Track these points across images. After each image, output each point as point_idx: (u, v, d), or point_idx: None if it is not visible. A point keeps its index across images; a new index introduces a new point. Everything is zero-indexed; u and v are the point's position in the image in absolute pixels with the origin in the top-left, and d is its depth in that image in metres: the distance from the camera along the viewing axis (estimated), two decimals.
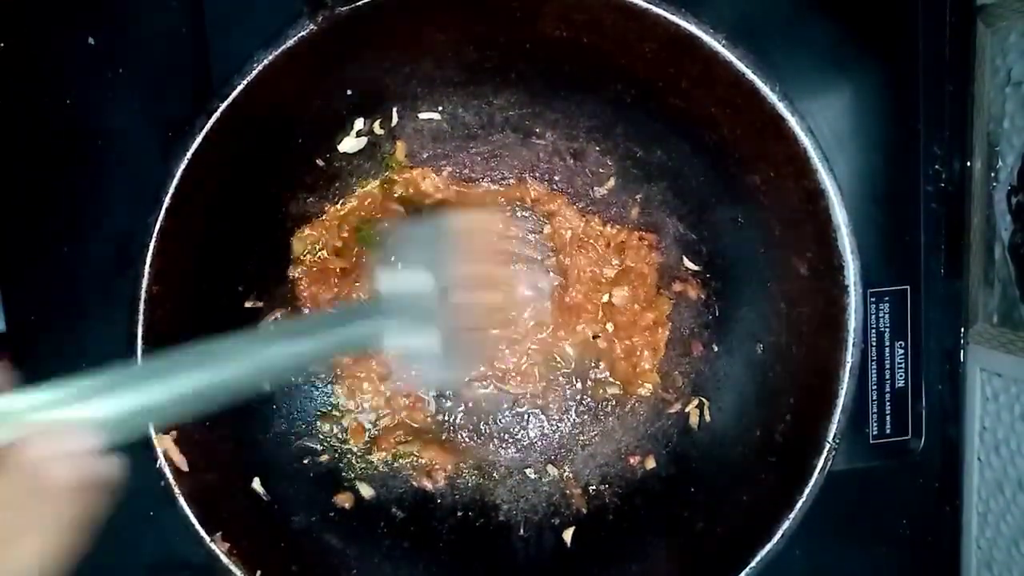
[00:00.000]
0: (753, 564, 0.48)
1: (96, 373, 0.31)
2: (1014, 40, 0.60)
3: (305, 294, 0.58)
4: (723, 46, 0.46)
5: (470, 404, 0.62)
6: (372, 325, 0.47)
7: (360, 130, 0.55)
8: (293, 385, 0.59)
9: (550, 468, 0.62)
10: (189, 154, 0.45)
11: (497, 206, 0.60)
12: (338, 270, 0.59)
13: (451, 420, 0.62)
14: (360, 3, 0.44)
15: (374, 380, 0.60)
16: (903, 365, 0.63)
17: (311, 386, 0.60)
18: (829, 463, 0.49)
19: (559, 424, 0.63)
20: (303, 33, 0.44)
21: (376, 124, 0.55)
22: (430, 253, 0.51)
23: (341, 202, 0.58)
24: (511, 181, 0.60)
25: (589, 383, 0.63)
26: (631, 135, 0.57)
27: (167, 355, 0.33)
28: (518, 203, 0.61)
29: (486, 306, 0.54)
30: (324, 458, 0.58)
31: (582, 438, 0.63)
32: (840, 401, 0.49)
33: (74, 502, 0.28)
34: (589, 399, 0.63)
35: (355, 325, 0.46)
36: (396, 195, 0.59)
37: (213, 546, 0.46)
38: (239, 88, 0.44)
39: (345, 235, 0.58)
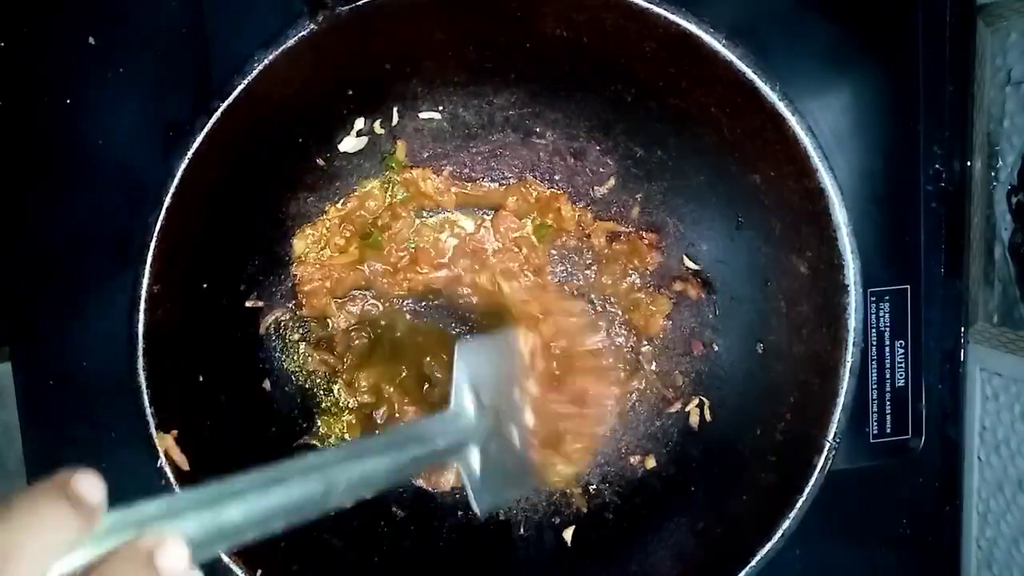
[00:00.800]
0: (753, 564, 0.48)
1: (168, 495, 0.31)
2: (1014, 40, 0.60)
3: (306, 294, 0.58)
4: (723, 46, 0.46)
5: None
6: (451, 440, 0.46)
7: (360, 130, 0.55)
8: (293, 384, 0.59)
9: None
10: (189, 154, 0.45)
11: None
12: (339, 270, 0.59)
13: None
14: (360, 3, 0.44)
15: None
16: (903, 365, 0.63)
17: (311, 385, 0.60)
18: (829, 463, 0.49)
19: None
20: (303, 33, 0.44)
21: (376, 123, 0.55)
22: (491, 368, 0.51)
23: (342, 202, 0.58)
24: (511, 180, 0.60)
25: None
26: (631, 135, 0.57)
27: (228, 480, 0.33)
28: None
29: (532, 429, 0.54)
30: None
31: None
32: (840, 400, 0.49)
33: None
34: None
35: (445, 436, 0.45)
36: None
37: None
38: (239, 88, 0.44)
39: (347, 235, 0.59)
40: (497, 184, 0.61)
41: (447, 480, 0.60)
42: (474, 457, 0.47)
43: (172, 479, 0.46)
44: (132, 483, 0.55)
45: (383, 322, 0.60)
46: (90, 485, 0.26)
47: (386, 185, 0.59)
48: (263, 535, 0.32)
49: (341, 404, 0.60)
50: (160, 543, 0.27)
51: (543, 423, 0.55)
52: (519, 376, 0.54)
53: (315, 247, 0.58)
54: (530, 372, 0.55)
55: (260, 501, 0.33)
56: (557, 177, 0.61)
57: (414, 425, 0.45)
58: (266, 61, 0.44)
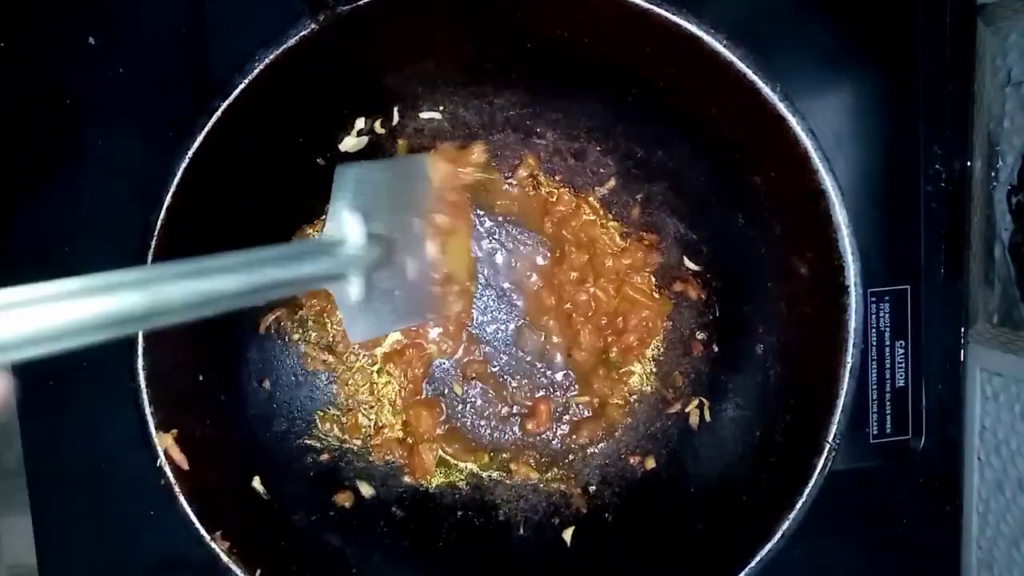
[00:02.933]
0: (753, 564, 0.48)
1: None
2: (1014, 40, 0.60)
3: (306, 294, 0.58)
4: (724, 46, 0.46)
5: (469, 403, 0.62)
6: (330, 264, 0.43)
7: (361, 129, 0.55)
8: (293, 384, 0.59)
9: (550, 467, 0.62)
10: (190, 153, 0.45)
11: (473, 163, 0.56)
12: None
13: (455, 418, 0.62)
14: (361, 3, 0.44)
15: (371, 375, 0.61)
16: (903, 365, 0.63)
17: (311, 385, 0.60)
18: (829, 463, 0.49)
19: (558, 423, 0.63)
20: (304, 32, 0.44)
21: (377, 123, 0.55)
22: (386, 196, 0.48)
23: None
24: (511, 180, 0.60)
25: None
26: (631, 135, 0.57)
27: (68, 280, 0.31)
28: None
29: (432, 263, 0.51)
30: (324, 457, 0.58)
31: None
32: (840, 401, 0.49)
33: None
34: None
35: (314, 262, 0.42)
36: None
37: (213, 545, 0.46)
38: (239, 88, 0.44)
39: None
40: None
41: (430, 464, 0.60)
42: (354, 286, 0.44)
43: (172, 479, 0.46)
44: (132, 483, 0.55)
45: None
46: None
47: None
48: (57, 349, 0.30)
49: (341, 404, 0.60)
50: None
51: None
52: (422, 206, 0.51)
53: None
54: (438, 204, 0.52)
55: (60, 311, 0.30)
56: (557, 178, 0.61)
57: (280, 247, 0.42)
58: (266, 61, 0.44)
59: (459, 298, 0.54)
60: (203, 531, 0.46)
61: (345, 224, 0.44)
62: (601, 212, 0.61)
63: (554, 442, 0.62)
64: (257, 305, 0.44)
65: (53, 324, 0.29)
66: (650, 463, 0.60)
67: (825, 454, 0.49)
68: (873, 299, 0.61)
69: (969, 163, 0.64)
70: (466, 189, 0.54)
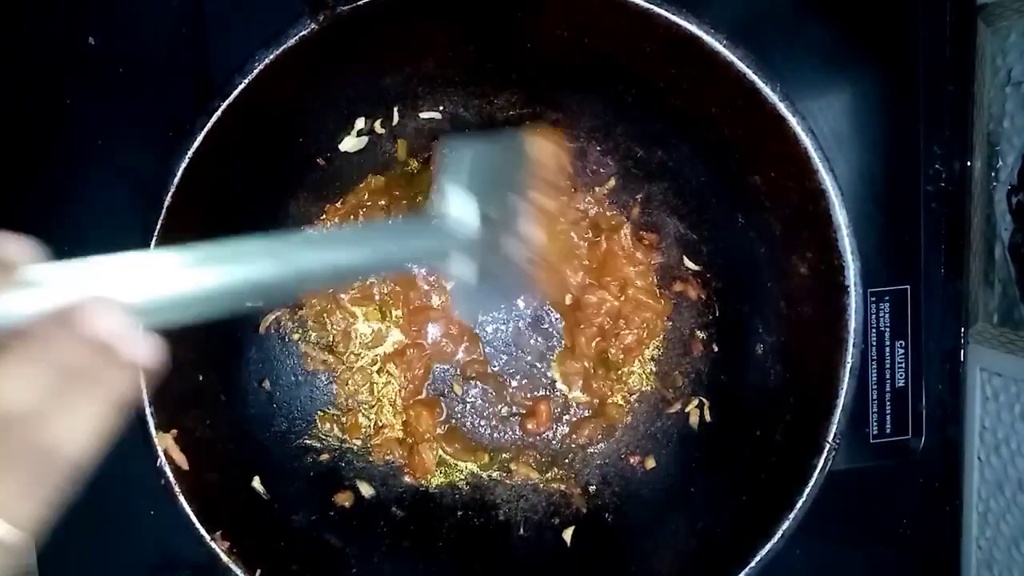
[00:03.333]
0: (753, 564, 0.48)
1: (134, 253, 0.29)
2: (1014, 40, 0.60)
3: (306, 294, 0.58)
4: (724, 46, 0.46)
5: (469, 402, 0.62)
6: (430, 244, 0.42)
7: (361, 129, 0.55)
8: (293, 384, 0.59)
9: (550, 468, 0.62)
10: (190, 154, 0.45)
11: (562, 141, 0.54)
12: None
13: (455, 418, 0.62)
14: (361, 3, 0.44)
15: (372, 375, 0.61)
16: (903, 365, 0.63)
17: (311, 385, 0.60)
18: (829, 463, 0.49)
19: (558, 423, 0.63)
20: (304, 33, 0.44)
21: (377, 123, 0.55)
22: (489, 176, 0.46)
23: (342, 201, 0.58)
24: None
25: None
26: (632, 135, 0.57)
27: (198, 248, 0.31)
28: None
29: (535, 243, 0.50)
30: (324, 457, 0.58)
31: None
32: (840, 401, 0.49)
33: (119, 377, 0.27)
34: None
35: (413, 239, 0.42)
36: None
37: (213, 545, 0.46)
38: (239, 88, 0.44)
39: None
40: None
41: (430, 464, 0.60)
42: (467, 266, 0.44)
43: (172, 479, 0.46)
44: (132, 483, 0.55)
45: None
46: (8, 240, 0.26)
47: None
48: (215, 313, 0.31)
49: (341, 404, 0.60)
50: (90, 306, 0.25)
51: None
52: (525, 184, 0.49)
53: None
54: (540, 183, 0.49)
55: (215, 275, 0.31)
56: None
57: (396, 224, 0.42)
58: (266, 61, 0.44)
59: (554, 280, 0.52)
60: (203, 531, 0.46)
61: (457, 202, 0.43)
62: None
63: (554, 442, 0.62)
64: (370, 278, 0.44)
65: (195, 288, 0.30)
66: (650, 463, 0.60)
67: (825, 454, 0.49)
68: (873, 299, 0.61)
69: (969, 163, 0.64)
70: (565, 171, 0.52)
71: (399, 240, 0.41)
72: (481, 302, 0.48)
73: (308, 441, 0.58)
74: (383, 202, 0.59)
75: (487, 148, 0.48)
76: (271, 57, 0.44)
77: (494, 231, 0.46)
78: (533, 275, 0.50)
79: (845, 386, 0.49)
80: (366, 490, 0.58)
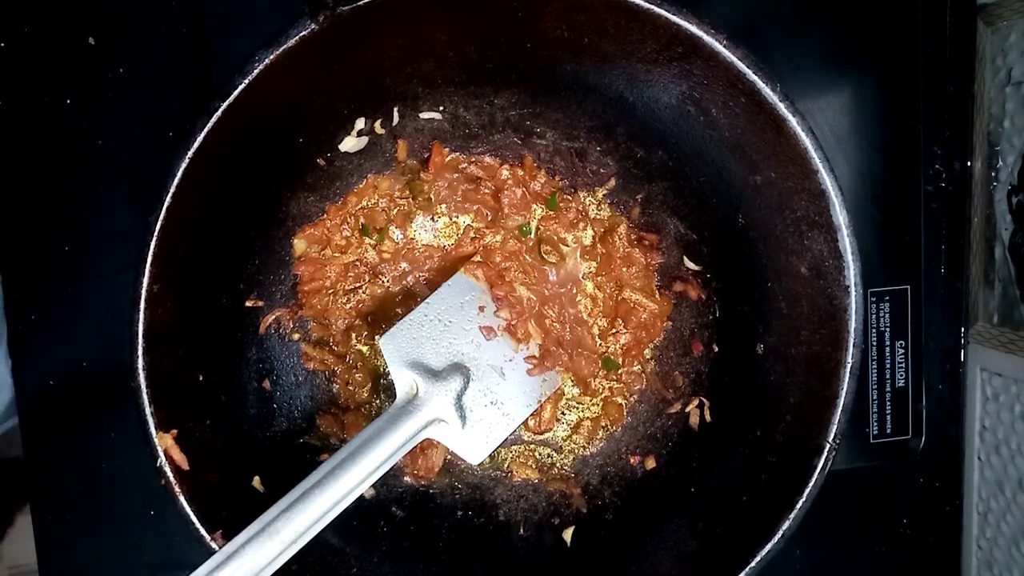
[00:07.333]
0: (753, 564, 0.48)
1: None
2: (1014, 40, 0.60)
3: (306, 294, 0.58)
4: (724, 47, 0.46)
5: None
6: (419, 419, 0.50)
7: (361, 129, 0.55)
8: (293, 384, 0.59)
9: (550, 468, 0.62)
10: (189, 154, 0.44)
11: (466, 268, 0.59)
12: (339, 269, 0.59)
13: None
14: (360, 3, 0.44)
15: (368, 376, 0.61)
16: (903, 365, 0.63)
17: (311, 385, 0.60)
18: (829, 463, 0.49)
19: (558, 423, 0.63)
20: (304, 33, 0.44)
21: (377, 123, 0.55)
22: (438, 332, 0.53)
23: (342, 201, 0.58)
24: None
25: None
26: (632, 135, 0.57)
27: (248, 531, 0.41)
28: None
29: (518, 351, 0.56)
30: (324, 457, 0.58)
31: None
32: (840, 401, 0.49)
33: None
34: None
35: (405, 423, 0.49)
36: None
37: (213, 545, 0.46)
38: (239, 88, 0.44)
39: (347, 235, 0.59)
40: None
41: (435, 464, 0.60)
42: (449, 423, 0.50)
43: (172, 479, 0.46)
44: (132, 483, 0.55)
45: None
46: None
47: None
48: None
49: (341, 404, 0.60)
50: None
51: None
52: (478, 314, 0.55)
53: (316, 246, 0.58)
54: (494, 302, 0.56)
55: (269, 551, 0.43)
56: (557, 178, 0.61)
57: (372, 426, 0.48)
58: (266, 61, 0.44)
59: (552, 365, 0.58)
60: (203, 531, 0.46)
61: (409, 382, 0.50)
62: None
63: (554, 442, 0.62)
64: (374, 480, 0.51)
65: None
66: (650, 463, 0.60)
67: (825, 454, 0.49)
68: (873, 299, 0.61)
69: (969, 163, 0.64)
70: (509, 281, 0.58)
71: (386, 439, 0.47)
72: (488, 435, 0.54)
73: (308, 441, 0.58)
74: (383, 202, 0.59)
75: (420, 316, 0.54)
76: (271, 57, 0.44)
77: (471, 370, 0.53)
78: (535, 375, 0.57)
79: (845, 386, 0.49)
80: (366, 490, 0.58)
